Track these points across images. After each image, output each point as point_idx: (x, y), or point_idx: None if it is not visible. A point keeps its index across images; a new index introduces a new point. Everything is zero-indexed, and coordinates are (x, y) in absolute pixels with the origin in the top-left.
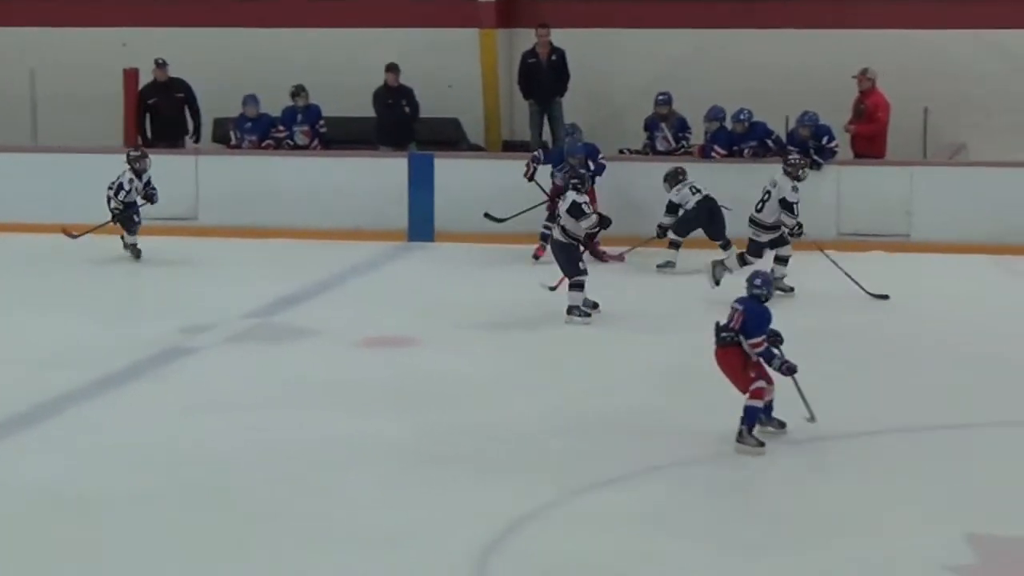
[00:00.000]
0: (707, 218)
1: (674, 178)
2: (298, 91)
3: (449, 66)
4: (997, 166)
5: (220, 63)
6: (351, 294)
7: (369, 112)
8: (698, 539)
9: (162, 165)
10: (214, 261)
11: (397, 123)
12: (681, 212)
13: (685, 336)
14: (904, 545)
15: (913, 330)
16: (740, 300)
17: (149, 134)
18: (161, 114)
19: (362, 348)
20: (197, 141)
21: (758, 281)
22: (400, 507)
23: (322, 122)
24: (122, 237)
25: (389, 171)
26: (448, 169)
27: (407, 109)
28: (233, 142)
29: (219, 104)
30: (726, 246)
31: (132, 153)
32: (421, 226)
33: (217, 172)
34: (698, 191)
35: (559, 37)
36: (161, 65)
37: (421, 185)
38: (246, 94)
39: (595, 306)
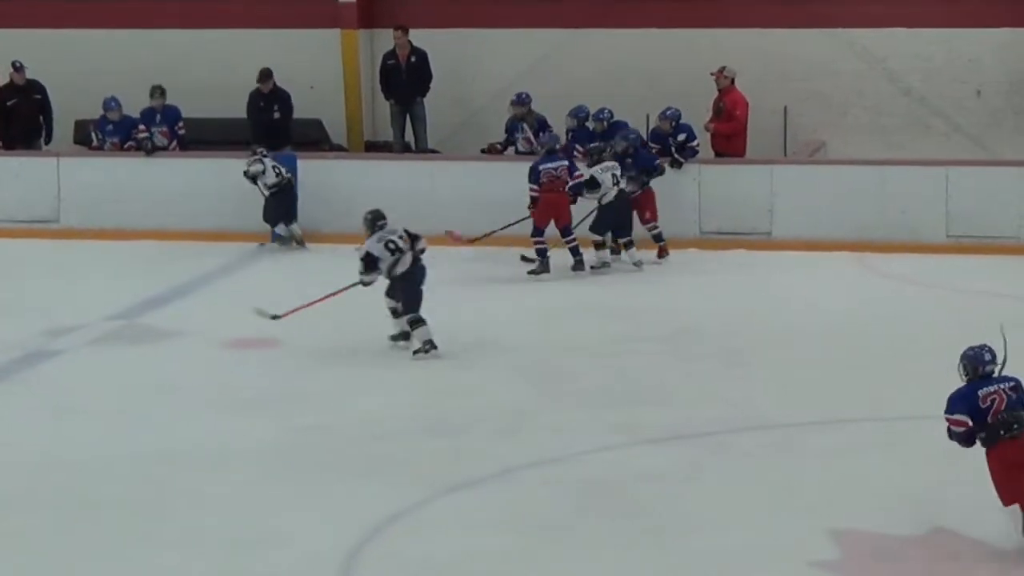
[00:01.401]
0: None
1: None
2: (155, 92)
3: (311, 67)
4: (855, 164)
5: (79, 65)
6: (216, 295)
7: (238, 113)
8: (567, 538)
9: (22, 168)
10: (76, 263)
11: (270, 127)
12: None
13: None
14: (767, 540)
15: (777, 328)
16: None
17: (5, 137)
18: (19, 116)
19: (227, 349)
20: (48, 143)
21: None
22: (269, 510)
23: (181, 123)
24: None
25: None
26: (311, 170)
27: (277, 114)
28: (95, 143)
29: (79, 106)
30: (629, 244)
31: None
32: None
33: (78, 174)
34: (618, 182)
35: (420, 37)
36: (19, 69)
37: None
38: (106, 97)
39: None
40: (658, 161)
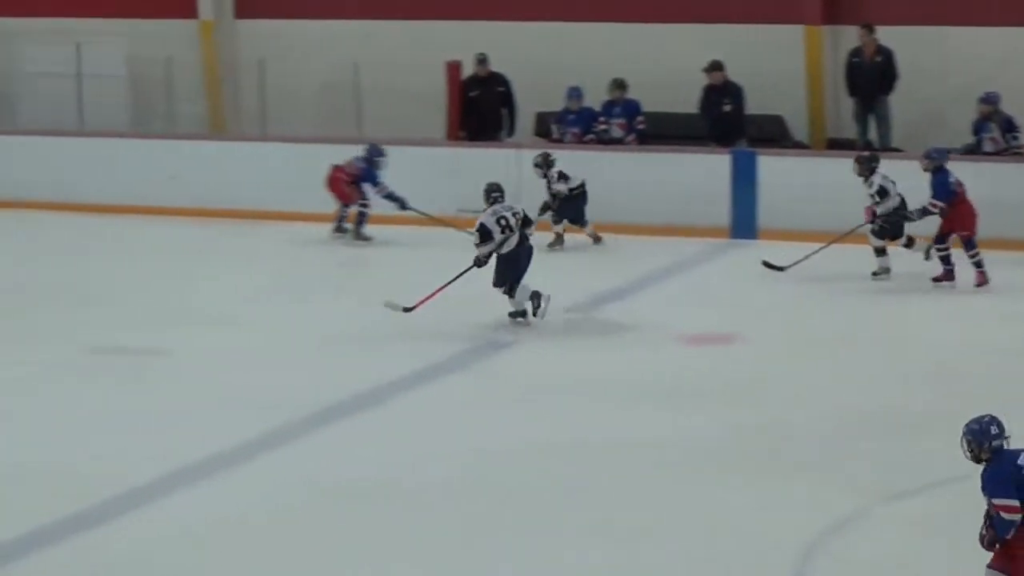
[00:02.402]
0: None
1: None
2: (615, 85)
3: (773, 63)
4: None
5: (541, 57)
6: (672, 290)
7: (691, 108)
8: None
9: (482, 159)
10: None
11: (722, 121)
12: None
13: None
14: None
15: None
16: None
17: (467, 128)
18: (481, 108)
19: (682, 344)
20: (510, 135)
21: None
22: (717, 506)
23: (641, 117)
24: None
25: (711, 168)
26: (772, 166)
27: (728, 107)
28: (555, 135)
29: (541, 98)
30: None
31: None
32: (744, 224)
33: None
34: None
35: (887, 35)
36: (482, 61)
37: (744, 182)
38: (570, 86)
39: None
40: None
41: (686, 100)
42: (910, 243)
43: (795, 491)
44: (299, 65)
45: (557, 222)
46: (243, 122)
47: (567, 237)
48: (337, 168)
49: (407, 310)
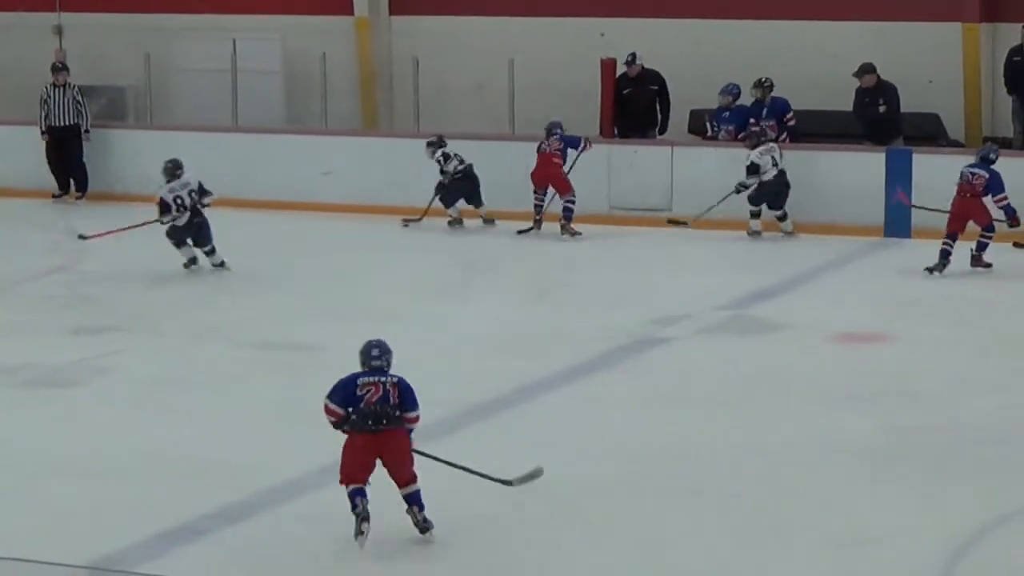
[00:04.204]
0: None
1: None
2: (757, 84)
3: (930, 61)
4: None
5: (696, 54)
6: (825, 289)
7: (847, 106)
8: None
9: (634, 157)
10: (685, 253)
11: (876, 122)
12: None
13: None
14: None
15: None
16: None
17: (620, 125)
18: (634, 106)
19: (835, 343)
20: (663, 132)
21: None
22: (868, 508)
23: (790, 115)
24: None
25: (866, 166)
26: (927, 165)
27: (883, 108)
28: (709, 133)
29: (695, 95)
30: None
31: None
32: (898, 222)
33: (690, 164)
34: None
35: None
36: (629, 62)
37: (898, 181)
38: (728, 83)
39: None
40: None
41: (841, 98)
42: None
43: (959, 493)
44: (453, 62)
45: (449, 205)
46: (396, 119)
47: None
48: (547, 155)
49: (83, 237)
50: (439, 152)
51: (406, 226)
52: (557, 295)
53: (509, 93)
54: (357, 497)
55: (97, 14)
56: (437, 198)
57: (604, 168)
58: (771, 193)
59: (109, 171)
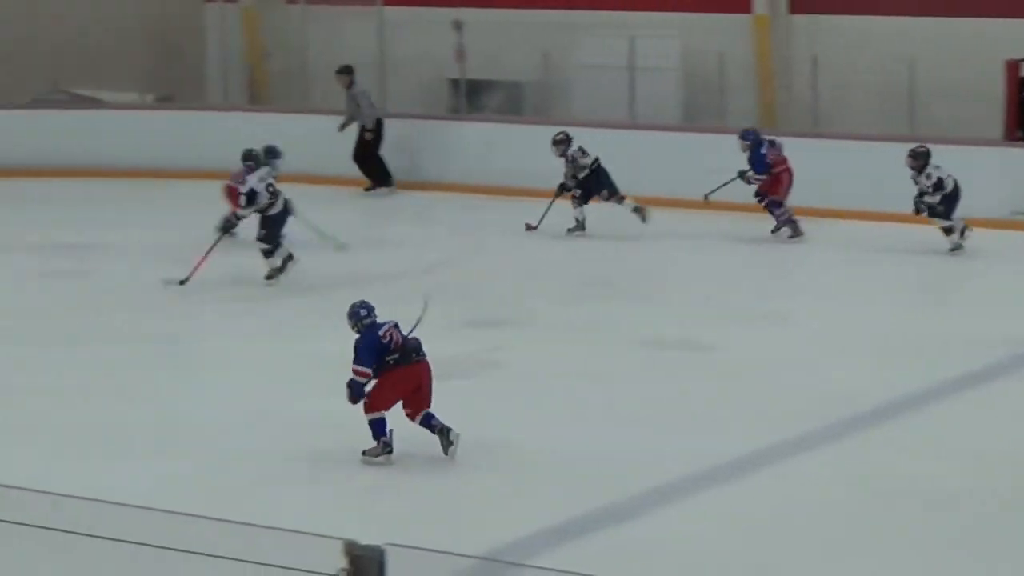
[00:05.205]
0: None
1: None
2: None
3: None
4: None
5: None
6: None
7: None
8: None
9: None
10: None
11: None
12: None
13: None
14: None
15: None
16: None
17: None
18: None
19: None
20: None
21: None
22: None
23: None
24: None
25: None
26: None
27: None
28: None
29: None
30: None
31: None
32: None
33: None
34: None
35: None
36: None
37: None
38: None
39: None
40: None
41: None
42: None
43: None
44: (853, 61)
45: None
46: (794, 118)
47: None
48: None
49: (182, 282)
50: (574, 148)
51: (532, 227)
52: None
53: (909, 94)
54: (384, 426)
55: (496, 10)
56: (572, 195)
57: (1000, 172)
58: None
59: (503, 167)
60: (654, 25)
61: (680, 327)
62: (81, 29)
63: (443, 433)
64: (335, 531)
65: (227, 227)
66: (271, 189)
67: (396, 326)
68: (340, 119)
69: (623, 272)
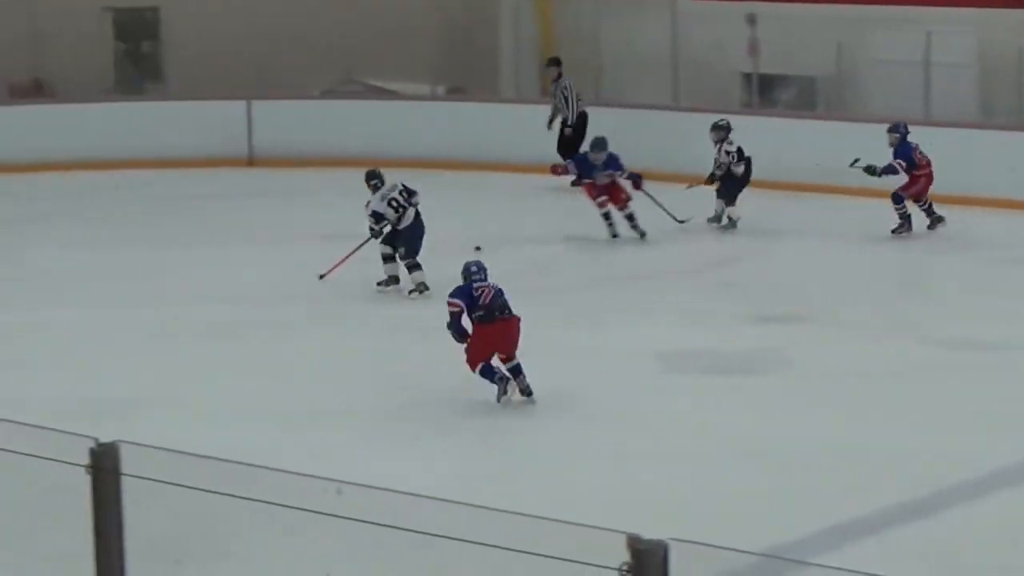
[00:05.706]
0: None
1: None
2: None
3: None
4: None
5: None
6: None
7: None
8: None
9: None
10: None
11: None
12: None
13: None
14: None
15: None
16: None
17: None
18: None
19: None
20: None
21: None
22: None
23: None
24: None
25: None
26: None
27: None
28: None
29: None
30: None
31: None
32: None
33: None
34: None
35: None
36: None
37: None
38: None
39: None
40: None
41: None
42: None
43: None
44: None
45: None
46: None
47: None
48: None
49: (321, 277)
50: (729, 138)
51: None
52: None
53: None
54: (490, 370)
55: (790, 3)
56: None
57: None
58: None
59: (782, 161)
60: (950, 20)
61: (965, 327)
62: (375, 19)
63: (525, 392)
64: (618, 525)
65: (374, 233)
66: (394, 204)
67: (498, 290)
68: (643, 112)
69: (906, 272)
